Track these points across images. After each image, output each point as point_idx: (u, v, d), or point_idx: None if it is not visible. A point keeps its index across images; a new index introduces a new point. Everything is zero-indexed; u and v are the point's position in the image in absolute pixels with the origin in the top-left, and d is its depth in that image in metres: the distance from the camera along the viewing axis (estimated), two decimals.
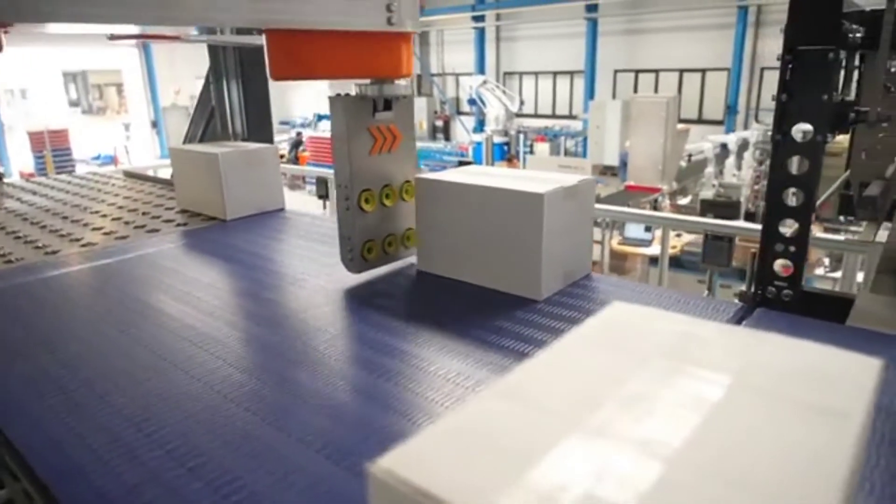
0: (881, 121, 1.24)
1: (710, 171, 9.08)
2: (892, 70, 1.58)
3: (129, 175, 3.20)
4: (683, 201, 9.16)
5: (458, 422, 0.41)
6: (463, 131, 16.64)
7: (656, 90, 12.89)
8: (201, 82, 2.63)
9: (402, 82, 1.42)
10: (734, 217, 7.12)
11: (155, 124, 17.00)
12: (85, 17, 0.78)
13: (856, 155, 1.61)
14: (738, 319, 1.22)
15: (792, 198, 1.27)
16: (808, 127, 1.22)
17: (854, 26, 1.21)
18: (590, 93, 13.94)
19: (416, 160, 1.55)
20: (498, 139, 13.28)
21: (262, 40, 1.23)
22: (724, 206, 7.06)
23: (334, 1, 1.14)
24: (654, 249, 6.97)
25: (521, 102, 13.13)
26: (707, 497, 0.34)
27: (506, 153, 13.16)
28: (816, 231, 7.08)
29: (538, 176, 1.48)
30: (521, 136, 13.48)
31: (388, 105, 1.42)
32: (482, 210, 1.39)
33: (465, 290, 1.42)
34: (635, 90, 13.23)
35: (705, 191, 9.10)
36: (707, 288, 3.94)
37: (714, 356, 0.50)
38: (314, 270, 1.58)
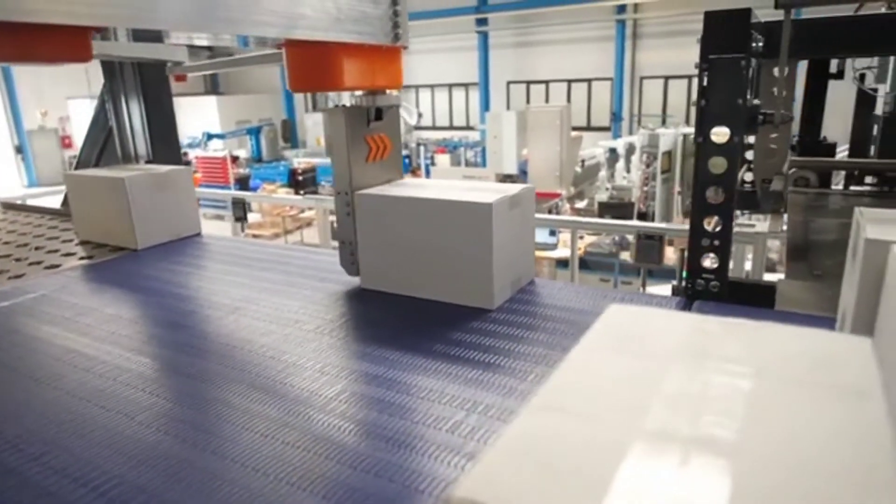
0: (784, 122, 1.36)
1: (603, 174, 9.60)
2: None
3: (8, 206, 2.90)
4: (581, 205, 9.59)
5: (518, 441, 0.40)
6: None
7: (547, 100, 13.48)
8: (72, 103, 2.44)
9: (393, 93, 1.45)
10: (629, 216, 7.56)
11: (20, 149, 15.53)
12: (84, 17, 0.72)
13: (757, 154, 1.76)
14: (682, 310, 1.29)
15: (714, 195, 1.37)
16: (725, 129, 1.32)
17: (758, 36, 1.32)
18: (485, 104, 14.34)
19: (401, 167, 1.57)
20: None
21: (161, 52, 1.22)
22: (619, 207, 7.48)
23: (354, 18, 1.20)
24: (559, 252, 7.25)
25: (420, 115, 13.28)
26: (790, 487, 0.35)
27: (408, 166, 13.21)
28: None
29: (477, 186, 1.50)
30: (422, 149, 13.60)
31: (379, 115, 1.46)
32: (429, 223, 1.39)
33: (415, 305, 1.40)
34: (528, 100, 13.77)
35: (600, 194, 9.61)
36: (641, 285, 4.13)
37: (729, 349, 0.52)
38: (251, 297, 1.50)
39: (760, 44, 1.34)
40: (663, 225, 4.31)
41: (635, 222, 4.87)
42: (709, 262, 1.39)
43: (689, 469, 0.36)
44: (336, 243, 1.64)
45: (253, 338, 1.25)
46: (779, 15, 1.31)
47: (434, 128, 15.51)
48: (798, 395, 0.45)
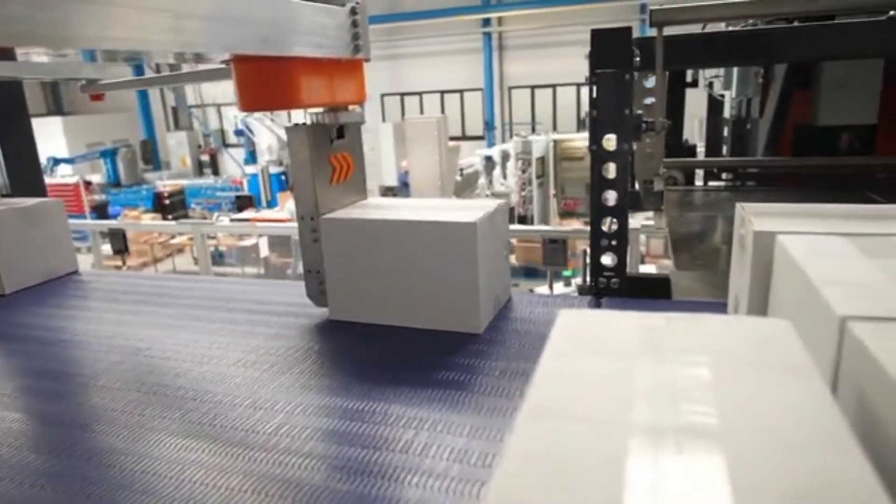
0: (664, 128, 1.49)
1: (482, 182, 9.92)
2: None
3: None
4: None
5: (527, 449, 0.42)
6: (234, 164, 15.83)
7: (422, 111, 13.71)
8: None
9: (355, 109, 1.36)
10: (510, 221, 7.87)
11: None
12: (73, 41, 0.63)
13: (638, 158, 1.92)
14: (594, 308, 1.37)
15: (609, 198, 1.47)
16: (614, 137, 1.43)
17: (636, 51, 1.45)
18: None
19: (365, 188, 1.47)
20: (274, 169, 12.91)
21: (72, 69, 1.10)
22: None
23: (312, 29, 1.10)
24: None
25: None
26: (776, 457, 0.39)
27: (284, 183, 12.84)
28: (575, 224, 8.11)
29: (445, 205, 1.42)
30: None
31: (341, 133, 1.36)
32: (407, 246, 1.30)
33: (394, 334, 1.31)
34: (402, 112, 13.92)
35: (480, 201, 9.91)
36: (549, 287, 4.28)
37: (679, 341, 0.57)
38: (156, 337, 1.38)
39: (638, 59, 1.46)
40: (566, 228, 4.54)
41: (542, 227, 5.10)
42: (609, 260, 1.50)
43: (686, 455, 0.40)
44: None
45: (165, 380, 1.16)
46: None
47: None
48: (751, 376, 0.50)
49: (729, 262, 1.35)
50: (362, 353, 1.26)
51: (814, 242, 0.85)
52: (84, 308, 1.65)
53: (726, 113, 2.82)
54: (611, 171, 1.45)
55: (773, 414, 0.45)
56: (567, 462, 0.40)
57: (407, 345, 1.27)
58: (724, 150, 2.76)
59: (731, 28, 1.66)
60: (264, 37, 0.99)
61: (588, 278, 1.54)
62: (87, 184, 13.69)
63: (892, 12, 1.40)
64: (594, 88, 1.40)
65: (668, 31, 1.54)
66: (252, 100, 1.19)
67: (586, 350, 0.57)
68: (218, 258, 9.42)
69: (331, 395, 1.07)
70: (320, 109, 1.31)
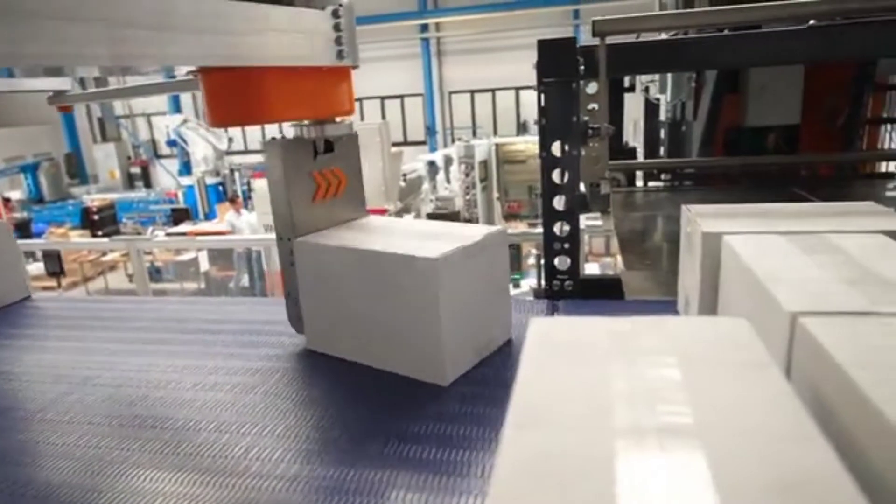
0: (609, 134, 1.55)
1: (426, 187, 9.94)
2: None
3: None
4: (408, 217, 9.83)
5: (519, 460, 0.43)
6: (167, 176, 15.31)
7: (362, 117, 13.62)
8: None
9: (345, 121, 1.26)
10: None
11: None
12: (21, 58, 0.56)
13: (584, 162, 1.97)
14: (552, 311, 1.40)
15: (560, 203, 1.51)
16: (564, 144, 1.47)
17: (580, 59, 1.49)
18: None
19: (363, 203, 1.35)
20: (211, 180, 12.56)
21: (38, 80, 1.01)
22: (447, 217, 7.82)
23: (285, 34, 0.99)
24: None
25: (230, 139, 12.63)
26: (752, 451, 0.42)
27: (222, 194, 12.50)
28: (521, 227, 8.25)
29: (442, 231, 1.23)
30: (237, 174, 12.95)
31: (329, 146, 1.25)
32: (369, 278, 1.15)
33: (360, 376, 1.17)
34: None
35: (425, 205, 9.93)
36: None
37: (646, 344, 0.60)
38: (107, 363, 1.31)
39: (582, 67, 1.51)
40: (518, 231, 4.59)
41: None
42: (562, 263, 1.54)
43: (669, 454, 0.42)
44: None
45: (119, 409, 1.11)
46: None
47: (247, 151, 14.86)
48: (717, 374, 0.53)
49: (673, 261, 1.41)
50: (328, 377, 1.20)
51: (758, 242, 0.90)
52: (35, 337, 1.54)
53: (662, 116, 2.94)
54: (561, 176, 1.49)
55: (743, 410, 0.47)
56: (559, 469, 0.41)
57: (372, 386, 1.14)
58: (662, 151, 2.87)
59: (665, 37, 1.73)
60: (230, 46, 0.90)
61: (543, 282, 1.58)
62: (6, 200, 12.93)
63: (811, 21, 1.49)
64: (542, 97, 1.44)
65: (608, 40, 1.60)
66: (223, 114, 1.09)
67: (561, 358, 0.59)
68: (154, 274, 9.07)
69: (298, 415, 1.04)
70: (305, 122, 1.23)
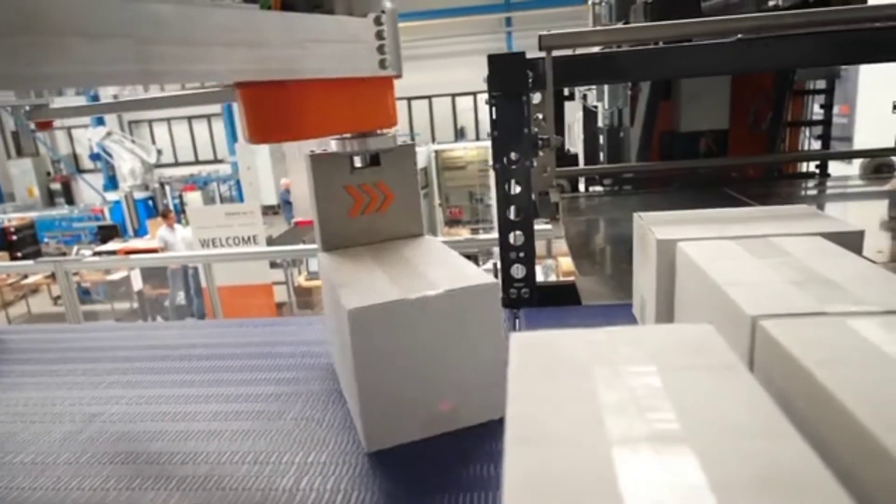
0: (558, 144, 1.60)
1: None
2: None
3: None
4: None
5: (526, 479, 0.45)
6: (91, 192, 14.60)
7: None
8: None
9: (389, 133, 1.19)
10: None
11: None
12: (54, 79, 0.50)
13: (533, 171, 2.03)
14: (514, 319, 1.43)
15: (514, 213, 1.55)
16: (515, 155, 1.51)
17: (529, 72, 1.54)
18: (232, 135, 13.73)
19: (418, 221, 1.26)
20: (139, 195, 12.07)
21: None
22: None
23: (326, 45, 0.92)
24: None
25: (159, 152, 12.18)
26: (738, 450, 0.45)
27: (153, 209, 12.02)
28: (464, 233, 8.32)
29: (450, 263, 1.07)
30: (167, 188, 12.50)
31: (375, 160, 1.19)
32: (332, 311, 1.08)
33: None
34: None
35: None
36: None
37: (623, 354, 0.63)
38: (106, 398, 1.20)
39: (530, 80, 1.56)
40: (463, 238, 4.60)
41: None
42: (518, 272, 1.57)
43: (666, 459, 0.45)
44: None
45: (140, 446, 1.02)
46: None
47: (177, 164, 14.38)
48: (693, 379, 0.57)
49: (622, 263, 1.46)
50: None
51: (710, 248, 0.95)
52: (17, 373, 1.40)
53: (600, 122, 3.05)
54: (514, 187, 1.53)
55: (721, 412, 0.51)
56: (568, 482, 0.44)
57: None
58: (601, 157, 2.98)
59: (604, 50, 1.81)
60: (266, 59, 0.83)
61: (500, 291, 1.61)
62: None
63: (739, 35, 1.60)
64: (493, 110, 1.47)
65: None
66: (261, 130, 1.02)
67: (546, 372, 0.61)
68: (83, 296, 8.62)
69: (338, 440, 0.99)
70: (347, 135, 1.16)
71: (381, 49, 1.04)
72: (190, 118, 14.10)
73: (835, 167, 2.72)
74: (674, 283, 1.04)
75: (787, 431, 0.47)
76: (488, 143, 1.58)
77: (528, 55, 1.51)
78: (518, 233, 1.56)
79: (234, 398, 1.17)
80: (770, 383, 0.65)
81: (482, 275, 0.99)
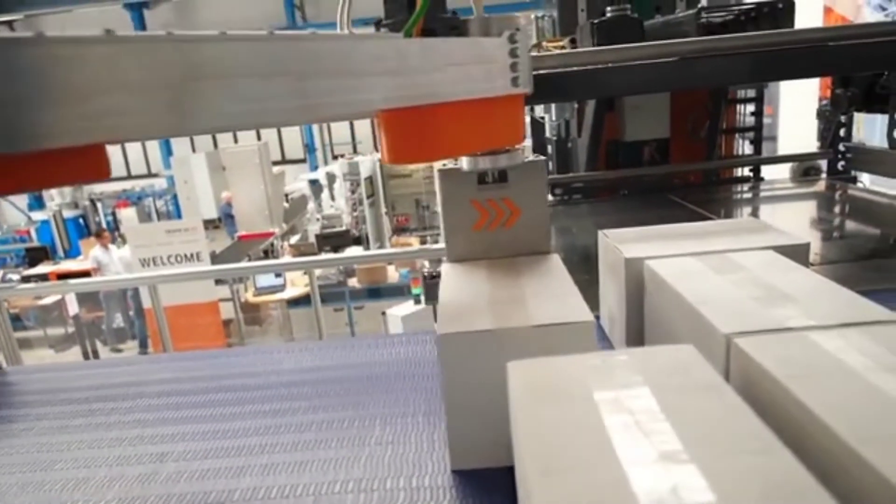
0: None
1: (311, 206, 9.78)
2: None
3: None
4: (294, 239, 9.63)
5: None
6: (14, 212, 13.82)
7: (235, 139, 13.12)
8: None
9: (518, 149, 1.21)
10: (348, 243, 7.87)
11: None
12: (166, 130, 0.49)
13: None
14: None
15: None
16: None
17: None
18: (167, 148, 13.28)
19: (547, 237, 1.26)
20: (69, 213, 11.53)
21: None
22: (337, 237, 7.74)
23: (463, 67, 0.93)
24: (289, 292, 7.19)
25: None
26: (736, 463, 0.51)
27: (84, 229, 11.50)
28: (413, 242, 8.34)
29: (551, 290, 1.06)
30: (99, 205, 11.98)
31: (503, 176, 1.21)
32: None
33: None
34: (214, 140, 13.19)
35: (311, 225, 9.76)
36: (434, 320, 4.29)
37: (618, 378, 0.68)
38: (181, 442, 1.11)
39: None
40: (415, 248, 4.62)
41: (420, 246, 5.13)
42: None
43: (676, 479, 0.50)
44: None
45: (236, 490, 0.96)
46: None
47: (108, 179, 13.77)
48: (684, 399, 0.62)
49: (583, 272, 1.54)
50: None
51: (675, 265, 1.03)
52: (44, 416, 1.28)
53: (547, 133, 3.16)
54: None
55: (717, 431, 0.57)
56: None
57: None
58: (551, 166, 3.07)
59: (556, 70, 1.89)
60: (411, 86, 0.84)
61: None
62: None
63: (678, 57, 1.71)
64: None
65: None
66: (400, 152, 1.01)
67: (549, 400, 0.66)
68: (13, 322, 8.15)
69: (435, 463, 0.99)
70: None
71: (513, 67, 1.06)
72: None
73: (766, 167, 2.91)
74: (643, 298, 1.11)
75: (777, 446, 0.54)
76: None
77: None
78: None
79: (308, 426, 1.13)
80: (746, 396, 0.72)
81: (582, 309, 0.96)
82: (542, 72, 1.77)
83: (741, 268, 1.00)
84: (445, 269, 1.23)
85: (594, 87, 1.73)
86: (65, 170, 0.51)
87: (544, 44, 2.68)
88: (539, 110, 3.31)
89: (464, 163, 1.21)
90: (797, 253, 1.06)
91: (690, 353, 0.73)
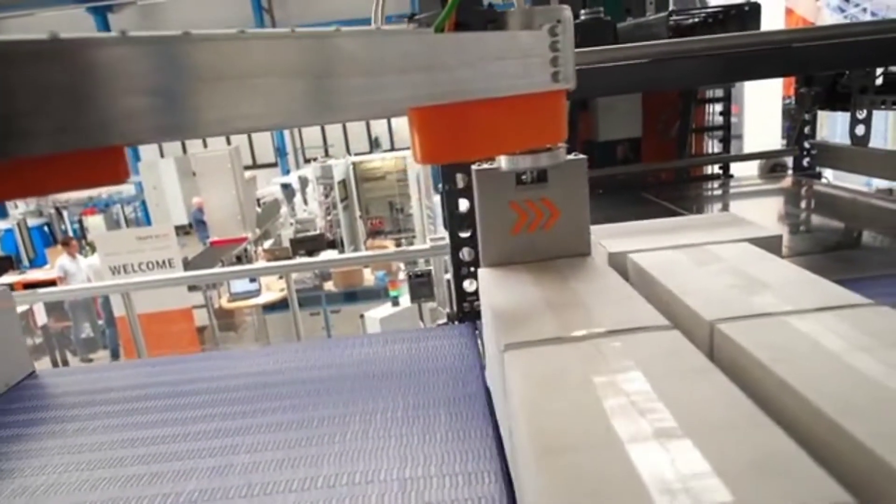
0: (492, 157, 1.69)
1: (285, 210, 9.70)
2: None
3: None
4: (268, 244, 9.54)
5: (557, 483, 0.52)
6: None
7: (205, 144, 12.93)
8: None
9: (560, 149, 1.16)
10: (322, 247, 7.83)
11: None
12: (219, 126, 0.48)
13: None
14: (475, 331, 1.51)
15: (463, 230, 1.63)
16: (462, 175, 1.59)
17: None
18: (134, 154, 13.03)
19: (587, 238, 1.23)
20: (33, 221, 11.24)
21: None
22: (311, 241, 7.70)
23: (499, 62, 0.90)
24: (265, 297, 7.12)
25: None
26: (730, 439, 0.54)
27: (49, 237, 11.22)
28: (388, 245, 8.33)
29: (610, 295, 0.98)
30: (65, 213, 11.69)
31: (542, 176, 1.17)
32: None
33: None
34: (183, 145, 12.99)
35: (285, 230, 9.67)
36: (420, 318, 4.30)
37: (615, 364, 0.72)
38: (236, 435, 1.13)
39: None
40: (393, 251, 4.61)
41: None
42: (471, 286, 1.65)
43: (671, 453, 0.53)
44: None
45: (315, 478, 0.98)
46: None
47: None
48: (676, 381, 0.66)
49: None
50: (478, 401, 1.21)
51: (659, 258, 1.07)
52: (95, 416, 1.28)
53: None
54: (463, 206, 1.60)
55: (708, 409, 0.60)
56: (597, 480, 0.51)
57: None
58: None
59: None
60: (441, 83, 0.80)
61: (454, 306, 1.68)
62: None
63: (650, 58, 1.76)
64: None
65: None
66: (433, 151, 0.97)
67: (548, 386, 0.69)
68: None
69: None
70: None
71: (554, 61, 0.99)
72: None
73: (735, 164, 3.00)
74: None
75: (765, 422, 0.57)
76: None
77: None
78: (468, 249, 1.64)
79: (359, 414, 1.17)
80: (730, 377, 0.76)
81: (651, 313, 0.89)
82: None
83: (720, 259, 1.04)
84: (483, 274, 1.19)
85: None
86: (83, 173, 0.51)
87: None
88: None
89: (503, 162, 1.15)
90: (771, 244, 1.11)
91: (677, 338, 0.77)
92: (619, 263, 1.14)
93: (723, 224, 1.27)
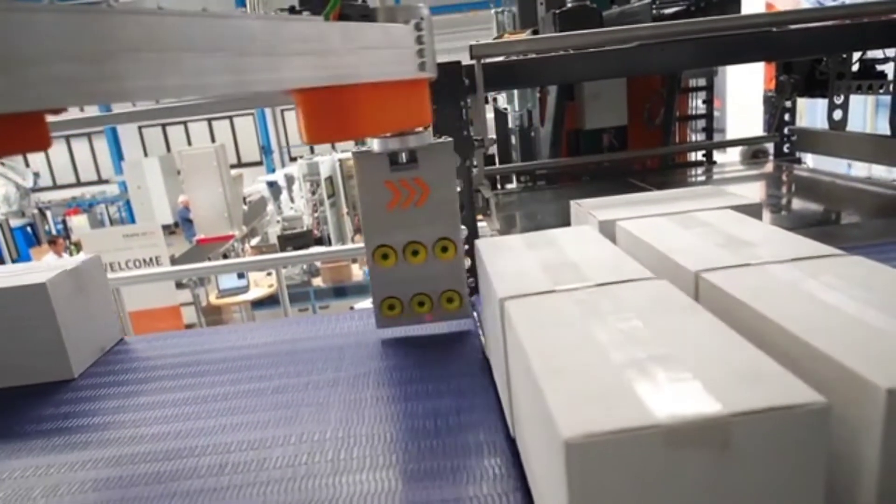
0: (491, 144, 1.75)
1: (271, 208, 9.67)
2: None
3: None
4: (255, 241, 9.50)
5: (570, 396, 0.57)
6: None
7: (189, 142, 12.87)
8: None
9: (425, 132, 1.29)
10: (309, 244, 7.83)
11: None
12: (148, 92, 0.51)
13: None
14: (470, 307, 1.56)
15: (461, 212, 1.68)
16: (458, 157, 1.64)
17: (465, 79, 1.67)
18: (117, 153, 12.93)
19: (456, 215, 1.36)
20: (16, 222, 11.11)
21: None
22: (299, 237, 7.70)
23: (377, 51, 1.02)
24: (253, 293, 7.12)
25: (36, 174, 11.27)
26: (720, 363, 0.60)
27: (32, 237, 11.11)
28: None
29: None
30: (48, 213, 11.58)
31: (412, 157, 1.30)
32: None
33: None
34: (167, 144, 12.91)
35: (272, 227, 9.65)
36: None
37: (608, 306, 0.77)
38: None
39: (467, 84, 1.70)
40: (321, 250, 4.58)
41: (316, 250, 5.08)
42: (465, 263, 1.70)
43: (665, 370, 0.59)
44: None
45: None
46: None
47: (56, 187, 13.33)
48: (666, 318, 0.71)
49: None
50: None
51: (647, 224, 1.13)
52: (167, 377, 1.37)
53: (510, 123, 3.26)
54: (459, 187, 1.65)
55: (695, 337, 0.66)
56: (600, 393, 0.56)
57: None
58: (514, 155, 3.18)
59: (521, 58, 1.98)
60: (332, 66, 0.90)
61: None
62: None
63: (636, 42, 1.82)
64: (436, 116, 1.59)
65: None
66: (318, 132, 1.08)
67: (548, 325, 0.74)
68: None
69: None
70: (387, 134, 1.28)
71: (420, 53, 1.16)
72: (68, 137, 13.10)
73: (718, 152, 3.07)
74: None
75: (746, 345, 0.63)
76: None
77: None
78: (462, 227, 1.69)
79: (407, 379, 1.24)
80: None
81: (640, 269, 0.92)
82: (512, 58, 1.87)
83: (704, 224, 1.10)
84: (479, 244, 1.24)
85: (558, 72, 1.84)
86: (6, 139, 0.54)
87: (506, 36, 2.79)
88: (502, 101, 3.42)
89: (375, 144, 1.30)
90: (752, 210, 1.18)
91: (665, 285, 0.83)
92: (608, 231, 1.19)
93: (706, 195, 1.33)
